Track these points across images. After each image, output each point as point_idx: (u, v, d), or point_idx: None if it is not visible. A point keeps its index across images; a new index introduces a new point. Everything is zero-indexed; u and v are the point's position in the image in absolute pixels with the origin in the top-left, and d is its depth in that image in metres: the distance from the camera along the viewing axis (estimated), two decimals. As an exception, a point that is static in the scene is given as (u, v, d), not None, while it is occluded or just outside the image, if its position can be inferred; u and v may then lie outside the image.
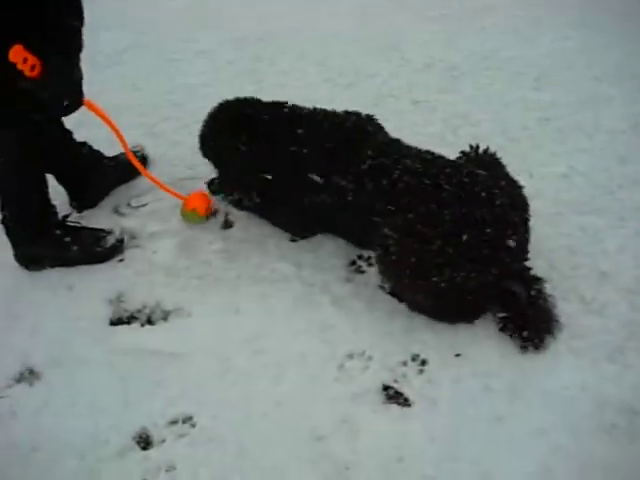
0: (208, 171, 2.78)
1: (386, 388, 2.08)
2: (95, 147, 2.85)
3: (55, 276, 2.53)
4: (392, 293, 2.36)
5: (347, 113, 2.53)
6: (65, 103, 2.16)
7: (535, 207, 2.34)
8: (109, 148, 2.84)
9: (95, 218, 2.78)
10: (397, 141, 2.46)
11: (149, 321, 2.37)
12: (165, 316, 2.38)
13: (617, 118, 3.29)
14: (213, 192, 2.80)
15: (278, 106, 2.56)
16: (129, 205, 2.88)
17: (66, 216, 2.66)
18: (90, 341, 2.29)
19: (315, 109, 2.54)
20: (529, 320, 2.14)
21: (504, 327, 2.19)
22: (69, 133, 2.70)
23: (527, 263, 2.25)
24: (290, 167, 2.44)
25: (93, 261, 2.56)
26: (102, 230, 2.61)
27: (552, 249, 2.48)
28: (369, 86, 3.73)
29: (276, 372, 2.14)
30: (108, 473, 1.91)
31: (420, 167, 2.26)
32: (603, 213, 2.66)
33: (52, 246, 2.53)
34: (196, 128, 2.67)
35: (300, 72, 3.93)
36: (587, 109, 3.38)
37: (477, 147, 2.50)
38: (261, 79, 3.87)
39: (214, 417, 2.03)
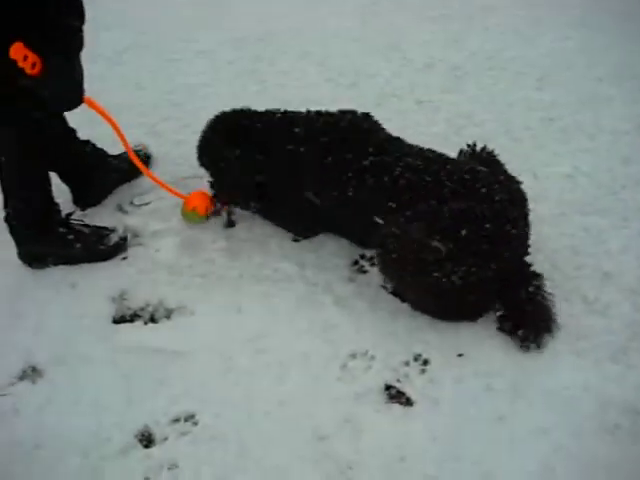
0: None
1: (388, 388, 2.08)
2: (99, 145, 2.86)
3: (58, 274, 2.53)
4: (394, 293, 2.36)
5: (342, 112, 2.53)
6: (65, 100, 2.17)
7: (538, 207, 2.35)
8: (113, 147, 2.83)
9: (98, 216, 2.78)
10: (398, 139, 2.47)
11: (152, 319, 2.37)
12: (168, 314, 2.38)
13: (618, 118, 3.30)
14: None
15: (272, 113, 2.58)
16: (132, 203, 2.88)
17: (69, 214, 2.66)
18: (93, 339, 2.29)
19: (309, 111, 2.56)
20: (527, 317, 2.14)
21: (502, 325, 2.19)
22: (72, 131, 2.70)
23: (528, 259, 2.26)
24: (287, 167, 2.46)
25: (96, 259, 2.57)
26: (105, 228, 2.62)
27: (555, 249, 2.49)
28: (371, 86, 3.73)
29: (279, 371, 2.14)
30: (111, 471, 1.91)
31: (421, 164, 2.27)
32: (606, 213, 2.66)
33: (55, 244, 2.53)
34: (198, 127, 2.67)
35: (301, 72, 3.93)
36: (588, 109, 3.39)
37: (474, 145, 2.51)
38: (261, 79, 3.87)
39: (217, 415, 2.03)
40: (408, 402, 2.04)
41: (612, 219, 2.63)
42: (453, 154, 2.48)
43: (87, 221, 2.68)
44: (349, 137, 2.40)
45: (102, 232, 2.60)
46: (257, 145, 2.51)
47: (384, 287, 2.40)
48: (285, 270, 2.51)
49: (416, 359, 2.16)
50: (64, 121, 2.62)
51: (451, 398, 2.03)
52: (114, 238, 2.58)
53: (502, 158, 2.50)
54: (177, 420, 2.03)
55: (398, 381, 2.09)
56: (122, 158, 2.88)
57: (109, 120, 2.48)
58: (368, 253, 2.53)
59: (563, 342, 2.15)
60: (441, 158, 2.35)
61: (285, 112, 2.57)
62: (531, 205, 2.33)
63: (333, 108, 2.57)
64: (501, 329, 2.19)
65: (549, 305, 2.17)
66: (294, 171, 2.45)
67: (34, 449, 1.98)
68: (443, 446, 1.91)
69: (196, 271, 2.53)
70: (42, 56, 1.98)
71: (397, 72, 3.86)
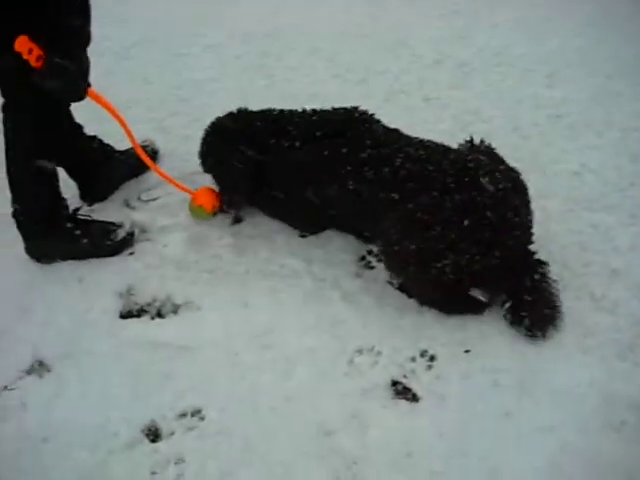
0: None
1: (395, 383, 2.08)
2: (106, 141, 2.86)
3: (66, 269, 2.54)
4: (401, 288, 2.36)
5: (336, 109, 2.57)
6: (68, 93, 2.19)
7: (546, 204, 2.34)
8: (120, 142, 2.84)
9: (105, 211, 2.79)
10: (396, 131, 2.48)
11: (159, 314, 2.38)
12: (175, 309, 2.38)
13: (628, 115, 3.29)
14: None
15: (268, 113, 2.61)
16: (139, 199, 2.89)
17: (77, 209, 2.67)
18: (100, 334, 2.29)
19: (304, 109, 2.59)
20: (532, 305, 2.14)
21: (507, 315, 2.18)
22: (79, 127, 2.71)
23: (532, 247, 2.26)
24: (287, 165, 2.49)
25: (104, 254, 2.57)
26: (112, 223, 2.62)
27: (563, 246, 2.48)
28: (380, 82, 3.73)
29: (285, 367, 2.14)
30: (118, 465, 1.91)
31: (423, 154, 2.28)
32: (614, 210, 2.65)
33: (63, 239, 2.54)
34: (205, 123, 2.69)
35: (309, 68, 3.93)
36: (598, 106, 3.38)
37: (472, 139, 2.51)
38: (269, 74, 3.87)
39: (223, 410, 2.03)
40: (415, 398, 2.04)
41: (620, 216, 2.62)
42: (456, 149, 2.47)
43: (94, 216, 2.68)
44: (346, 130, 2.41)
45: (109, 227, 2.60)
46: (257, 145, 2.54)
47: (391, 283, 2.39)
48: (292, 266, 2.51)
49: (423, 355, 2.16)
50: (71, 117, 2.63)
51: (458, 394, 2.03)
52: (121, 233, 2.59)
53: (510, 155, 2.48)
54: (184, 415, 2.03)
55: (405, 377, 2.09)
56: (129, 153, 2.88)
57: (114, 113, 2.48)
58: (375, 249, 2.53)
59: (570, 339, 2.14)
60: (441, 148, 2.35)
61: (281, 111, 2.61)
62: (539, 202, 2.33)
63: (341, 104, 2.58)
64: (506, 318, 2.18)
65: (554, 293, 2.17)
66: (294, 169, 2.46)
67: (42, 443, 1.98)
68: (450, 442, 1.90)
69: (203, 267, 2.53)
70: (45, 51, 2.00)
71: (406, 69, 3.86)
